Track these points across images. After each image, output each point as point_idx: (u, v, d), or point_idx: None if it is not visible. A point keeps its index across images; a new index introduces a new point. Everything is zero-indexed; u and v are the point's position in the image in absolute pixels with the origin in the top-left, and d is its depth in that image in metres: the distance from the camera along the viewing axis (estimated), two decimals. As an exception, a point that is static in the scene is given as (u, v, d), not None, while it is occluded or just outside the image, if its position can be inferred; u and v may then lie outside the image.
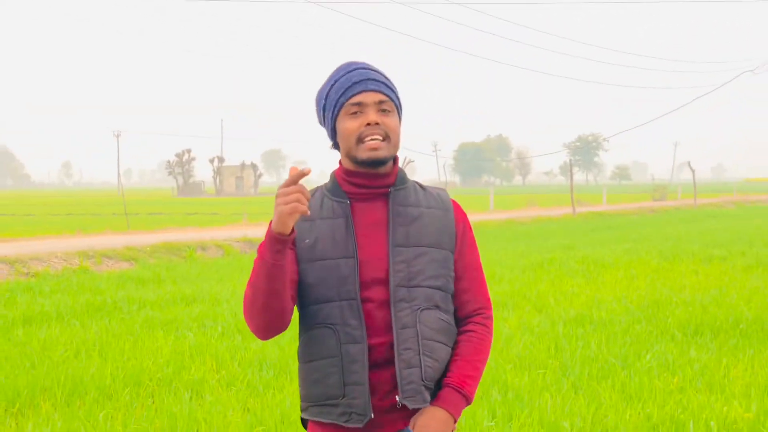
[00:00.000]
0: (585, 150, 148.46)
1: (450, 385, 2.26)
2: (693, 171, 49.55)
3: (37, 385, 5.84)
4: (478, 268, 2.40)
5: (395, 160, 2.34)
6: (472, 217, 28.36)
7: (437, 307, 2.28)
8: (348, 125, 2.25)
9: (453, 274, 2.34)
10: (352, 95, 2.25)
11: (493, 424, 4.95)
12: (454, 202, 2.40)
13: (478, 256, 2.41)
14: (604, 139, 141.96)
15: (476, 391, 2.33)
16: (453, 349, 2.33)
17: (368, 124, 2.23)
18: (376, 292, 2.25)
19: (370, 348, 2.23)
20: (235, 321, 8.34)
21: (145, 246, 16.78)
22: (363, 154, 2.24)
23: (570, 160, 48.32)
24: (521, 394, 5.52)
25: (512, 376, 6.04)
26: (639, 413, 5.14)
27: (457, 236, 2.35)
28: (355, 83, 2.25)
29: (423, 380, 2.22)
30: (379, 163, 2.26)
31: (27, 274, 13.15)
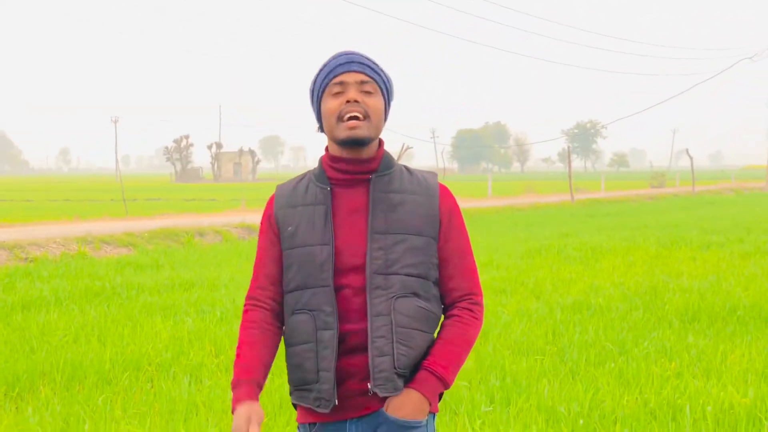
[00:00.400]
0: (583, 137, 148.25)
1: (426, 368, 2.24)
2: (691, 158, 49.61)
3: (37, 369, 5.85)
4: (465, 254, 2.35)
5: (380, 143, 2.34)
6: (470, 204, 28.53)
7: (415, 294, 2.25)
8: (329, 104, 2.26)
9: (436, 261, 2.30)
10: (335, 76, 2.26)
11: (490, 408, 4.97)
12: (442, 187, 2.35)
13: (466, 242, 2.36)
14: (603, 126, 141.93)
15: (456, 375, 2.29)
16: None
17: (348, 102, 2.24)
18: (353, 279, 2.24)
19: (347, 334, 2.23)
20: (234, 306, 8.34)
21: (143, 232, 16.79)
22: (342, 133, 2.24)
23: (568, 147, 48.37)
24: (519, 380, 5.54)
25: (510, 361, 6.06)
26: (636, 398, 5.16)
27: (441, 222, 2.31)
28: (340, 65, 2.27)
29: (395, 368, 2.20)
30: (359, 142, 2.25)
31: (26, 259, 13.15)
